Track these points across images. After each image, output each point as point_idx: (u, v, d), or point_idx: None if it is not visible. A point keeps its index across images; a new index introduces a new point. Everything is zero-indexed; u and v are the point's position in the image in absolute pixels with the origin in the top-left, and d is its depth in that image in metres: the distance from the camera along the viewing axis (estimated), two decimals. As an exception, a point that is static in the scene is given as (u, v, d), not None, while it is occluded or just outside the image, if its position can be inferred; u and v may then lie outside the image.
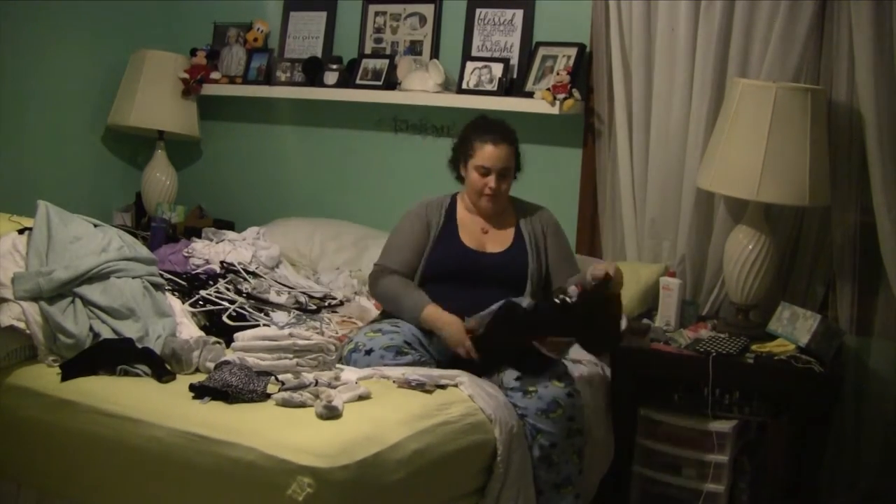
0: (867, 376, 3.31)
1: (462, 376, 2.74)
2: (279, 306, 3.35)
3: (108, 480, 2.48)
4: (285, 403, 2.43)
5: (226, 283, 3.38)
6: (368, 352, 2.83)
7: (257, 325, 3.10)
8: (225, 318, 3.14)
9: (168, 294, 3.12)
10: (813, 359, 2.93)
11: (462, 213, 3.15)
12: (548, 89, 3.56)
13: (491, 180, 3.02)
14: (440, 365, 2.89)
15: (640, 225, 3.61)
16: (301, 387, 2.52)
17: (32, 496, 2.64)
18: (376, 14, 4.16)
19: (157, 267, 3.19)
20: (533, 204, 3.20)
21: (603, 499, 3.08)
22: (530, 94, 3.66)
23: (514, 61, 3.80)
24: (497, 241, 3.10)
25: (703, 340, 3.07)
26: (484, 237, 3.10)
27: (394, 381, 2.66)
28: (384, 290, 3.06)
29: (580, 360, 3.15)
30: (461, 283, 3.00)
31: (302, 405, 2.42)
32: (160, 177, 4.43)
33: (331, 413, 2.36)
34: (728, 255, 3.21)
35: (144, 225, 4.34)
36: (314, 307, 3.41)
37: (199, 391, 2.47)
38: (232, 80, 4.39)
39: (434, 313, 2.91)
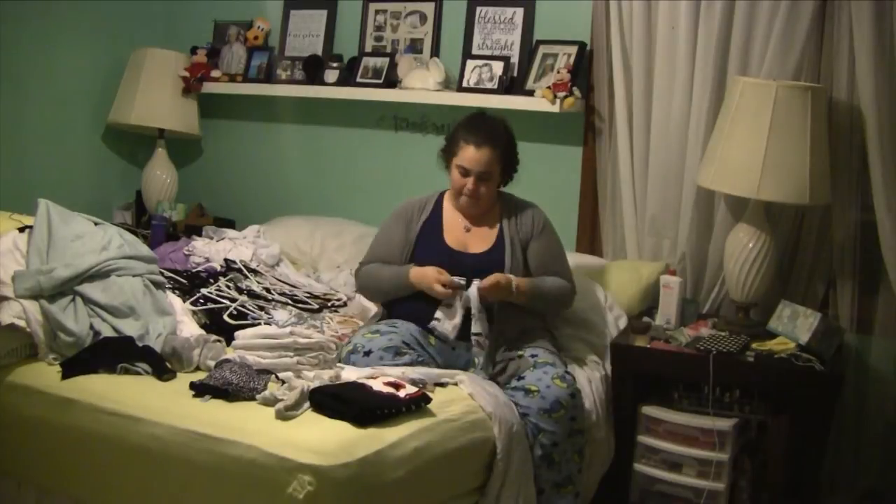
0: (867, 375, 3.31)
1: (462, 375, 2.74)
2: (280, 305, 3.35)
3: (108, 478, 2.48)
4: (265, 402, 2.42)
5: (226, 281, 3.37)
6: (367, 353, 2.82)
7: (258, 324, 3.10)
8: (226, 317, 3.14)
9: (168, 292, 3.12)
10: (813, 357, 2.93)
11: (448, 211, 3.12)
12: (548, 87, 3.56)
13: (469, 182, 2.99)
14: (439, 365, 2.90)
15: (640, 223, 3.60)
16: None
17: (32, 494, 2.64)
18: (377, 12, 4.16)
19: (158, 265, 3.19)
20: (523, 201, 3.15)
21: (603, 497, 3.09)
22: (531, 93, 3.65)
23: (515, 59, 3.79)
24: (480, 241, 3.06)
25: (703, 338, 3.07)
26: (466, 236, 3.07)
27: (394, 380, 2.66)
28: (364, 279, 3.12)
29: (582, 360, 3.16)
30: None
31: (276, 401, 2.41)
32: (160, 175, 4.43)
33: (286, 416, 2.34)
34: (728, 254, 3.21)
35: (145, 223, 4.33)
36: (315, 306, 3.41)
37: (200, 389, 2.47)
38: (232, 79, 4.39)
39: (418, 271, 2.96)
